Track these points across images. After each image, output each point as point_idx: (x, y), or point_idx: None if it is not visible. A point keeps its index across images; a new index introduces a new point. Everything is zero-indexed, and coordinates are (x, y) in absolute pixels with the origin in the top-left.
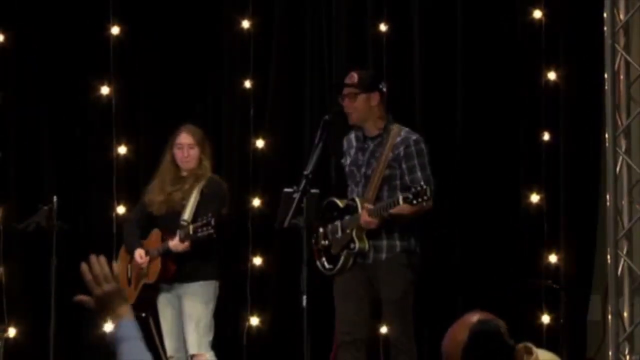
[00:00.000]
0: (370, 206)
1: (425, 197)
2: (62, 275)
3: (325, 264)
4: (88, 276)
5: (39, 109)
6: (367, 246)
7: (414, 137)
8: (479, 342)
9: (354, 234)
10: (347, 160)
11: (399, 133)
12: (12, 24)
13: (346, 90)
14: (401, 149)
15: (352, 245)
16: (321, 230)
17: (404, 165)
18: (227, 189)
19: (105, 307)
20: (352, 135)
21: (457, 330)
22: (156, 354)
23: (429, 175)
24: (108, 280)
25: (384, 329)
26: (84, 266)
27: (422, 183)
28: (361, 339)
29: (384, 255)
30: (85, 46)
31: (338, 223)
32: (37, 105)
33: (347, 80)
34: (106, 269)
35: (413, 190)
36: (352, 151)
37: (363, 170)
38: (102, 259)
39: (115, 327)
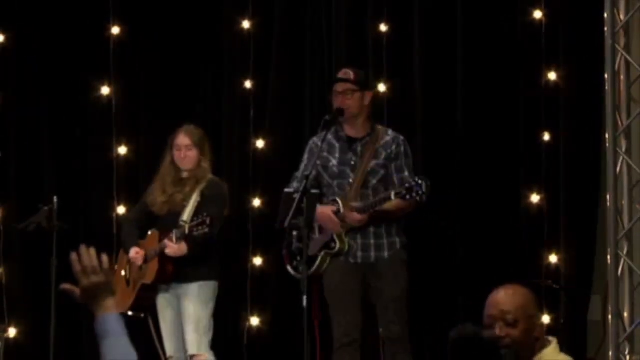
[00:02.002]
0: (356, 204)
1: (420, 192)
2: (62, 275)
3: (300, 266)
4: (77, 266)
5: (39, 109)
6: (346, 247)
7: (402, 137)
8: (460, 348)
9: (334, 234)
10: (331, 162)
11: (387, 132)
12: (12, 24)
13: (342, 87)
14: (393, 147)
15: (332, 245)
16: (295, 233)
17: (392, 164)
18: (227, 191)
19: (91, 298)
20: (331, 135)
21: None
22: (155, 354)
23: (414, 176)
24: (96, 272)
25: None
26: (73, 256)
27: (416, 178)
28: (358, 339)
29: (386, 253)
30: (85, 46)
31: (316, 224)
32: (37, 105)
33: (343, 76)
34: (95, 260)
35: (407, 185)
36: (336, 151)
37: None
38: (92, 250)
39: (99, 320)
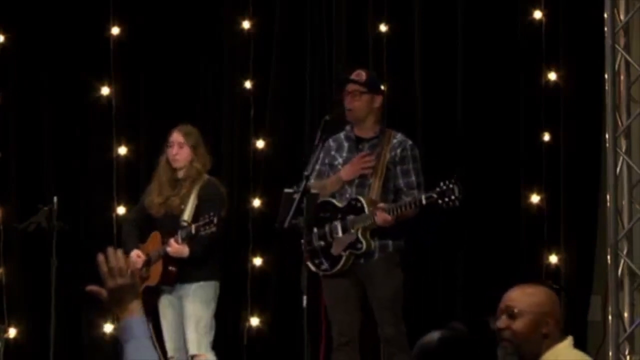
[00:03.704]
0: (384, 205)
1: (452, 197)
2: (62, 275)
3: (322, 264)
4: (104, 268)
5: (39, 109)
6: (372, 247)
7: (410, 142)
8: (448, 348)
9: (359, 234)
10: (337, 160)
11: (395, 136)
12: (12, 24)
13: (351, 87)
14: (398, 151)
15: (358, 246)
16: (315, 230)
17: (398, 168)
18: (224, 192)
19: (117, 301)
20: (342, 135)
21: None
22: None
23: (421, 182)
24: (123, 274)
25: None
26: (100, 257)
27: (447, 181)
28: (354, 339)
29: (376, 255)
30: (85, 46)
31: (337, 223)
32: (37, 105)
33: (354, 77)
34: (122, 262)
35: (438, 189)
36: (344, 150)
37: None
38: (120, 252)
39: (124, 324)
